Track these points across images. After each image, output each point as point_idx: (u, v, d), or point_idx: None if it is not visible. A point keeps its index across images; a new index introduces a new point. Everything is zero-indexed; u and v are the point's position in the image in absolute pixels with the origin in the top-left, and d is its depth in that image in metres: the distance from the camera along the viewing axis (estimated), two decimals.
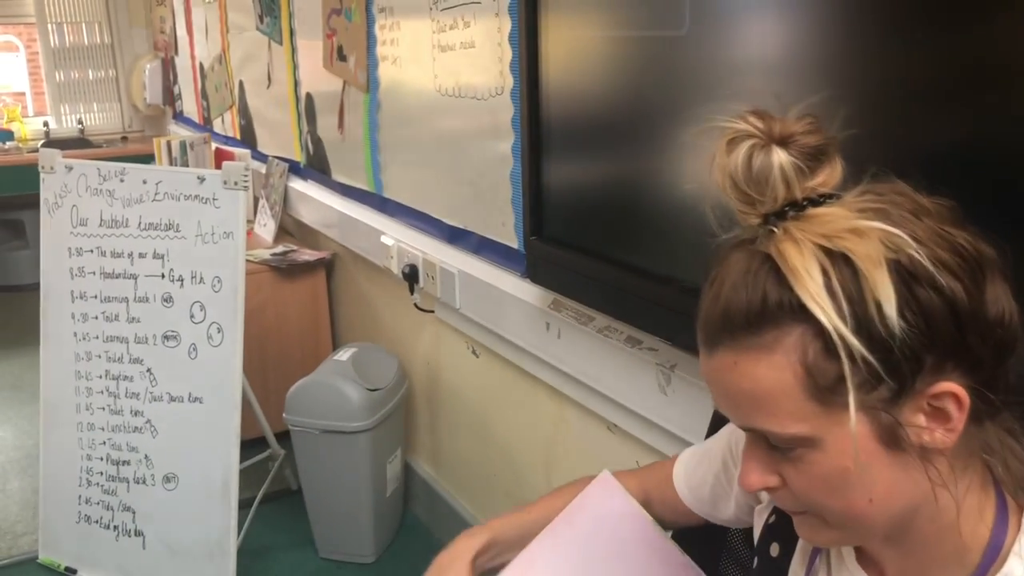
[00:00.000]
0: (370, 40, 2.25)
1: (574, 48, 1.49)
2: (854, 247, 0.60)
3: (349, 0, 2.34)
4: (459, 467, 2.36)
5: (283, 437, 2.53)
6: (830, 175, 0.66)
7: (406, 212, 2.25)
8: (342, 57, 2.44)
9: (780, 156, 0.65)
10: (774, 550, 0.83)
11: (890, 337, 0.59)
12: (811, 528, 0.70)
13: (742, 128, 0.66)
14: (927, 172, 0.67)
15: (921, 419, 0.62)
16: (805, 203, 0.64)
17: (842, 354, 0.59)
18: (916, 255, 0.59)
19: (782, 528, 0.81)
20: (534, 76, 1.55)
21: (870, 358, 0.59)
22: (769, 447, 0.67)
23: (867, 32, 1.00)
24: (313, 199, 2.85)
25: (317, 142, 2.78)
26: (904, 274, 0.59)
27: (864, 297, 0.59)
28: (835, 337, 0.59)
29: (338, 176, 2.67)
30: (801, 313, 0.61)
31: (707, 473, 0.95)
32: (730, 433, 0.93)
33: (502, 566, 0.98)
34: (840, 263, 0.60)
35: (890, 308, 0.58)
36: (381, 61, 2.22)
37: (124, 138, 5.31)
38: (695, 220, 1.28)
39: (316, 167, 2.83)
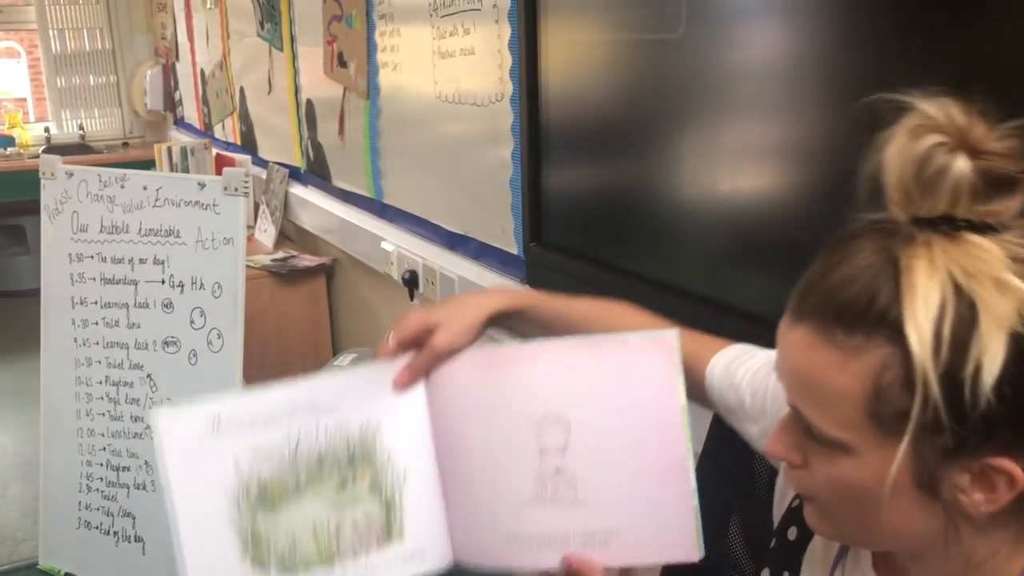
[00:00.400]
0: (370, 46, 2.25)
1: (573, 54, 1.49)
2: (987, 299, 0.55)
3: (350, 6, 2.34)
4: None
5: None
6: (1006, 208, 0.59)
7: (406, 218, 2.25)
8: (343, 63, 2.45)
9: (962, 167, 0.59)
10: (791, 534, 0.82)
11: (973, 404, 0.55)
12: (817, 516, 0.69)
13: (938, 120, 0.60)
14: None
15: (966, 480, 0.59)
16: (963, 224, 0.59)
17: (917, 396, 0.56)
18: None
19: (803, 515, 0.80)
20: (533, 82, 1.56)
21: (943, 412, 0.55)
22: (805, 429, 0.65)
23: (863, 35, 1.00)
24: (313, 205, 2.85)
25: (317, 148, 2.78)
26: (1022, 349, 0.55)
27: (968, 353, 0.55)
28: (918, 376, 0.56)
29: (338, 182, 2.67)
30: (897, 335, 0.57)
31: (743, 388, 0.90)
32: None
33: (508, 334, 0.92)
34: (963, 306, 0.55)
35: (988, 377, 0.54)
36: (381, 67, 2.22)
37: (125, 144, 5.32)
38: (695, 226, 1.29)
39: (316, 173, 2.83)
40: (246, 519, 0.86)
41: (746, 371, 0.89)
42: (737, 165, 1.22)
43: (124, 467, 2.18)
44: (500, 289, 0.95)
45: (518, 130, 1.65)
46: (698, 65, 1.22)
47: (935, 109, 0.60)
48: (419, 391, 0.91)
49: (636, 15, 1.33)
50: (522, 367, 0.87)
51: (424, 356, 0.89)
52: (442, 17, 1.87)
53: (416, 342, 0.90)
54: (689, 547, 0.84)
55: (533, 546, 0.88)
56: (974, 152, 0.59)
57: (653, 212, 1.34)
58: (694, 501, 0.83)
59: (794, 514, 0.83)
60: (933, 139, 0.59)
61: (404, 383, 0.90)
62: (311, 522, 0.88)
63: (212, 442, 0.84)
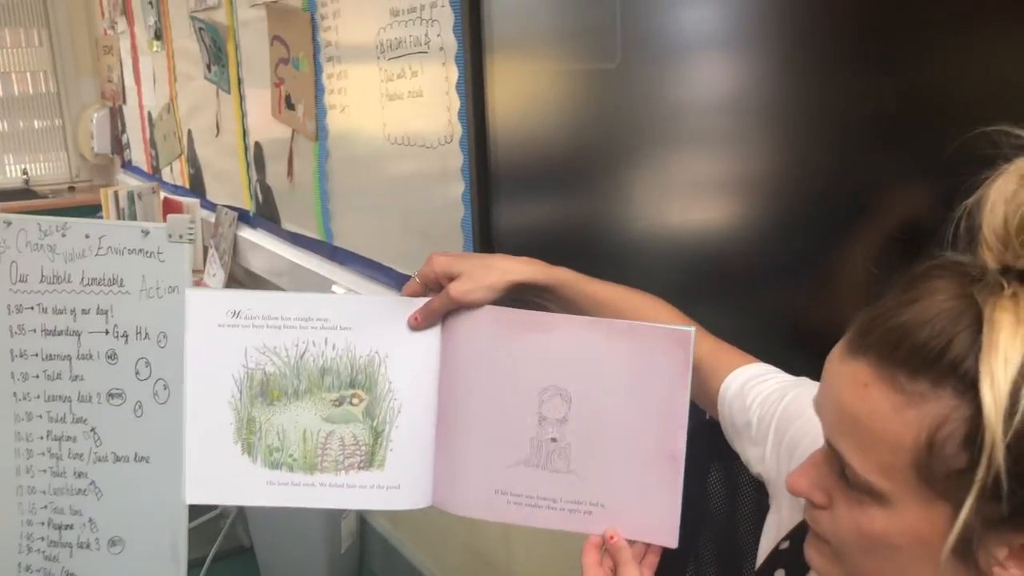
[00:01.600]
0: (318, 89, 2.23)
1: (520, 95, 1.48)
2: None
3: (297, 49, 2.32)
4: (416, 520, 2.31)
5: None
6: None
7: (357, 260, 2.22)
8: (291, 106, 2.42)
9: None
10: None
11: None
12: (823, 558, 0.66)
13: None
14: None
15: (1003, 553, 0.56)
16: None
17: (983, 459, 0.52)
18: None
19: (794, 559, 0.77)
20: (481, 124, 1.55)
21: (1003, 478, 0.52)
22: (839, 471, 0.62)
23: (804, 69, 1.01)
24: (263, 248, 2.81)
25: (266, 190, 2.74)
26: None
27: None
28: (987, 436, 0.52)
29: (288, 224, 2.63)
30: (969, 389, 0.53)
31: (752, 410, 0.88)
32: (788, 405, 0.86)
33: (532, 306, 0.93)
34: None
35: None
36: (330, 109, 2.20)
37: (71, 188, 5.22)
38: (647, 260, 1.28)
39: (266, 216, 2.79)
40: (244, 404, 0.94)
41: (758, 394, 0.88)
42: (685, 197, 1.22)
43: (67, 525, 2.10)
44: (533, 260, 0.94)
45: (468, 172, 1.64)
46: (639, 97, 1.22)
47: None
48: (434, 335, 0.93)
49: (578, 52, 1.33)
50: (536, 335, 0.89)
51: (440, 299, 0.90)
52: (389, 60, 1.86)
53: (438, 284, 0.91)
54: (669, 534, 0.86)
55: (520, 504, 0.91)
56: None
57: (604, 248, 1.33)
58: (681, 493, 0.85)
59: (781, 557, 0.80)
60: None
61: (418, 322, 0.92)
62: (303, 427, 0.94)
63: (228, 328, 0.93)
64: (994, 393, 0.52)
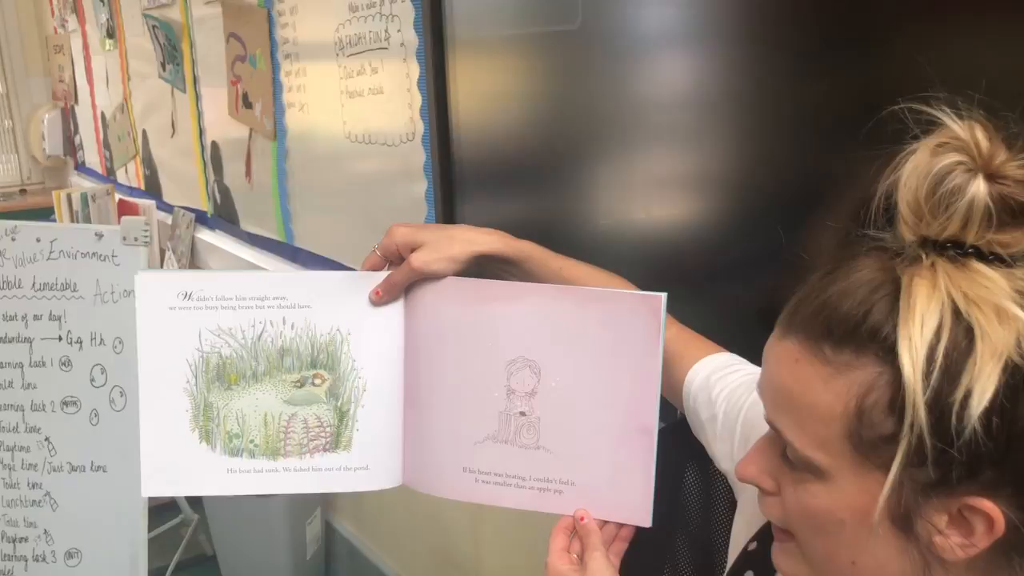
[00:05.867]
0: (276, 87, 2.19)
1: (483, 91, 1.46)
2: (985, 326, 0.53)
3: (254, 46, 2.28)
4: (382, 524, 2.28)
5: (196, 501, 2.41)
6: (1016, 239, 0.57)
7: (318, 261, 2.18)
8: (248, 104, 2.37)
9: (979, 190, 0.56)
10: None
11: (957, 432, 0.52)
12: (788, 556, 0.66)
13: (961, 139, 0.57)
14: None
15: (943, 520, 0.56)
16: (971, 250, 0.57)
17: (906, 420, 0.54)
18: None
19: (762, 559, 0.76)
20: (444, 121, 1.53)
21: (927, 439, 0.53)
22: (782, 452, 0.63)
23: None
24: (221, 250, 2.76)
25: (224, 191, 2.69)
26: (1018, 382, 0.52)
27: (959, 379, 0.53)
28: (908, 398, 0.53)
29: (247, 225, 2.58)
30: (889, 354, 0.55)
31: (719, 403, 0.87)
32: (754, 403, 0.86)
33: (496, 278, 0.90)
34: (960, 332, 0.53)
35: (976, 405, 0.52)
36: (288, 108, 2.16)
37: (23, 191, 5.10)
38: (614, 254, 1.27)
39: (224, 217, 2.74)
40: (200, 389, 0.91)
41: (724, 386, 0.87)
42: (651, 194, 1.21)
43: (21, 538, 2.04)
44: (497, 232, 0.91)
45: (430, 169, 1.61)
46: (605, 92, 1.21)
47: (961, 128, 0.58)
48: (398, 310, 0.90)
49: (541, 47, 1.31)
50: (503, 305, 0.86)
51: (401, 271, 0.88)
52: (349, 56, 1.83)
53: (399, 257, 0.88)
54: (643, 512, 0.83)
55: (488, 481, 0.88)
56: (993, 176, 0.57)
57: (571, 244, 1.31)
58: (654, 468, 0.83)
59: (750, 558, 0.79)
60: (953, 158, 0.57)
61: (380, 296, 0.89)
62: (263, 411, 0.91)
63: (180, 310, 0.90)
64: (911, 355, 0.53)
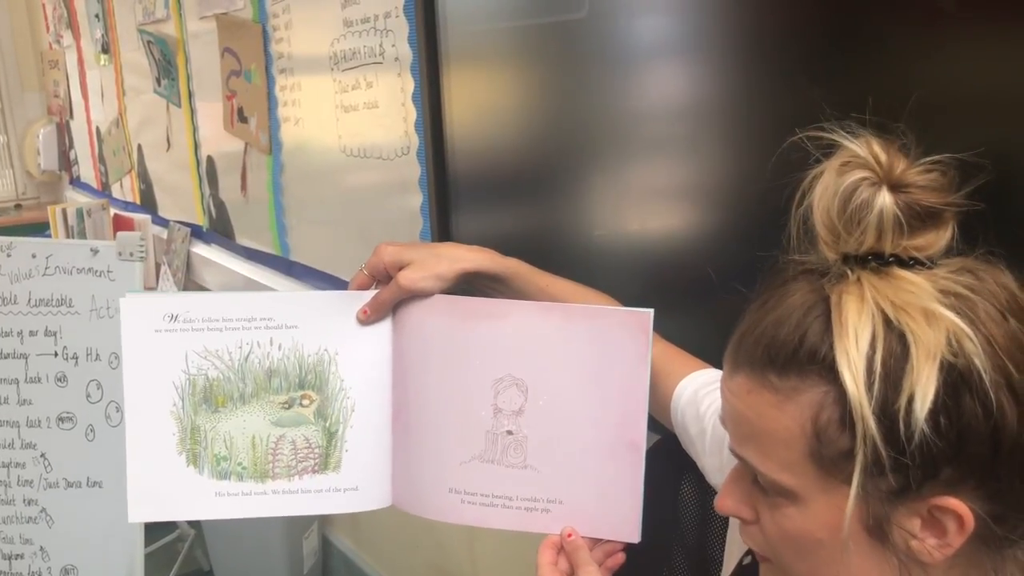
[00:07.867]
0: (271, 101, 2.20)
1: (477, 105, 1.47)
2: (916, 330, 0.54)
3: (248, 61, 2.29)
4: (379, 539, 2.27)
5: None
6: (933, 240, 0.60)
7: (314, 275, 2.18)
8: (243, 119, 2.38)
9: (885, 201, 0.58)
10: None
11: (908, 436, 0.53)
12: None
13: (861, 156, 0.60)
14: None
15: (916, 524, 0.57)
16: (891, 259, 0.59)
17: (858, 433, 0.55)
18: (978, 365, 0.53)
19: (756, 574, 0.76)
20: (439, 135, 1.53)
21: (881, 448, 0.54)
22: (754, 480, 0.63)
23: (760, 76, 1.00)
24: (217, 264, 2.76)
25: (220, 205, 2.69)
26: (956, 379, 0.54)
27: (900, 385, 0.54)
28: (855, 413, 0.54)
29: (242, 239, 2.58)
30: (830, 373, 0.56)
31: (707, 418, 0.87)
32: None
33: (484, 296, 0.90)
34: (894, 340, 0.55)
35: (920, 407, 0.53)
36: (283, 122, 2.17)
37: (18, 206, 5.09)
38: (609, 267, 1.27)
39: (219, 231, 2.74)
40: (187, 412, 0.89)
41: (712, 402, 0.87)
42: (646, 203, 1.21)
43: (17, 555, 2.04)
44: (484, 249, 0.92)
45: (426, 183, 1.62)
46: (599, 105, 1.21)
47: (859, 146, 0.60)
48: (385, 329, 0.90)
49: (536, 61, 1.32)
50: (490, 323, 0.85)
51: (389, 290, 0.88)
52: (344, 71, 1.83)
53: (387, 275, 0.89)
54: (631, 528, 0.83)
55: (475, 502, 0.87)
56: (897, 186, 0.59)
57: (566, 257, 1.32)
58: (642, 484, 0.83)
59: (745, 572, 0.80)
60: (857, 175, 0.59)
61: (367, 315, 0.89)
62: (251, 433, 0.90)
63: (166, 333, 0.88)
64: (851, 370, 0.55)
